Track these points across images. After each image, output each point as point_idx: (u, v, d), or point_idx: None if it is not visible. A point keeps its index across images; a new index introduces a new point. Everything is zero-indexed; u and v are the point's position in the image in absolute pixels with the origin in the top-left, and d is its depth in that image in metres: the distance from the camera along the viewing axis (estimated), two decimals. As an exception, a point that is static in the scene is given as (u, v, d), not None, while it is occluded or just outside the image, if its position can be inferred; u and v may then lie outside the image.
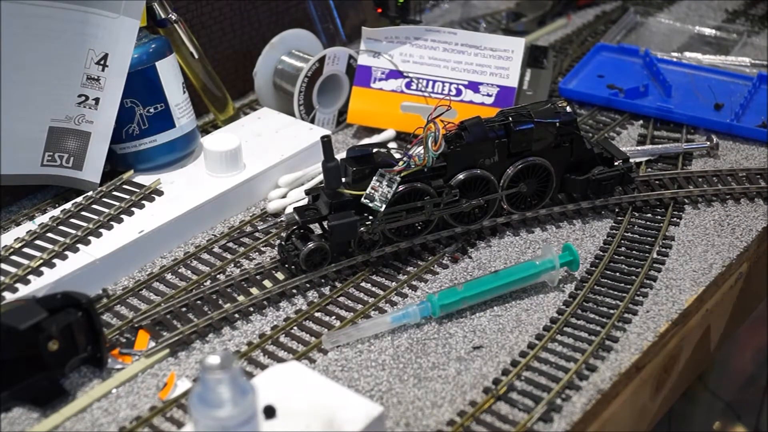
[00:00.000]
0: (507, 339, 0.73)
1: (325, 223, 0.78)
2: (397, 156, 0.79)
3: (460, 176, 0.81)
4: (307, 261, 0.77)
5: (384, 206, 0.77)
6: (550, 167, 0.83)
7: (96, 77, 0.85)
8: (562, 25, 1.25)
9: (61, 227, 0.81)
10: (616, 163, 0.85)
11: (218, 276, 0.80)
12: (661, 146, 0.95)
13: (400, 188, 0.78)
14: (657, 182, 0.89)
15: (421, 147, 0.78)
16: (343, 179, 0.78)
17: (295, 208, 0.79)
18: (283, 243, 0.79)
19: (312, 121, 1.00)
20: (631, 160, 0.87)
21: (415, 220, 0.80)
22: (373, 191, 0.77)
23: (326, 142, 0.76)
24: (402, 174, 0.78)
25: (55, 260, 0.77)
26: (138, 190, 0.85)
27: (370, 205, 0.77)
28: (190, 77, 0.96)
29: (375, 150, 0.79)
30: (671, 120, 1.01)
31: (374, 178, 0.78)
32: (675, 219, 0.85)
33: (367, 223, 0.78)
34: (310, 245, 0.77)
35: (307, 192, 0.80)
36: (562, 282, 0.78)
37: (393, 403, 0.67)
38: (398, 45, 1.00)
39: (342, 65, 1.00)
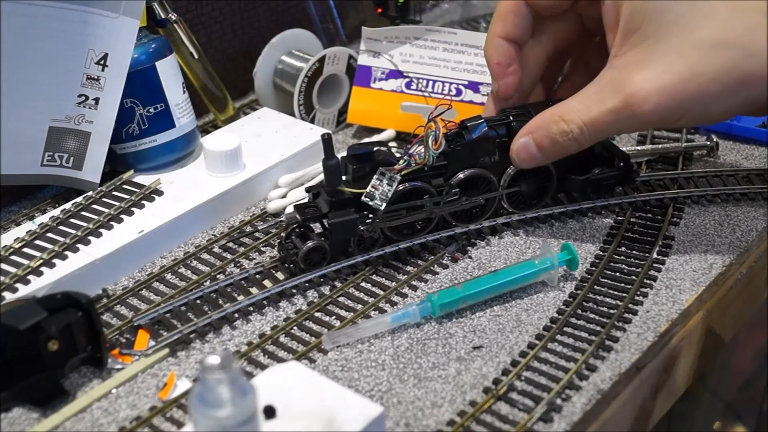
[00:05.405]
0: (507, 339, 0.73)
1: (325, 221, 0.78)
2: (398, 155, 0.80)
3: (460, 175, 0.81)
4: (306, 259, 0.77)
5: (384, 205, 0.77)
6: (551, 166, 0.83)
7: (96, 77, 0.85)
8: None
9: (61, 227, 0.81)
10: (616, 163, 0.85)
11: (218, 276, 0.80)
12: (661, 146, 0.95)
13: (401, 187, 0.78)
14: (657, 182, 0.89)
15: (422, 146, 0.78)
16: (344, 177, 0.78)
17: (295, 206, 0.79)
18: (283, 242, 0.79)
19: (312, 121, 1.00)
20: (632, 160, 0.87)
21: (415, 219, 0.80)
22: (373, 190, 0.77)
23: (327, 139, 0.76)
24: (402, 173, 0.78)
25: (55, 260, 0.77)
26: (138, 190, 0.85)
27: (371, 203, 0.77)
28: (190, 77, 0.96)
29: (375, 148, 0.79)
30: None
31: (375, 176, 0.78)
32: (675, 219, 0.85)
33: (367, 221, 0.78)
34: (309, 244, 0.77)
35: (308, 189, 0.80)
36: (562, 282, 0.78)
37: (393, 403, 0.67)
38: (398, 45, 1.00)
39: (342, 65, 1.00)
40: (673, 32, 0.72)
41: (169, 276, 0.80)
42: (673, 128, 0.98)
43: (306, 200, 0.81)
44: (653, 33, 0.73)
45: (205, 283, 0.79)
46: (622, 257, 0.81)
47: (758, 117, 0.96)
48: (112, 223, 0.82)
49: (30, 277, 0.75)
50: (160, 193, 0.86)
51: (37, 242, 0.79)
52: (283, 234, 0.81)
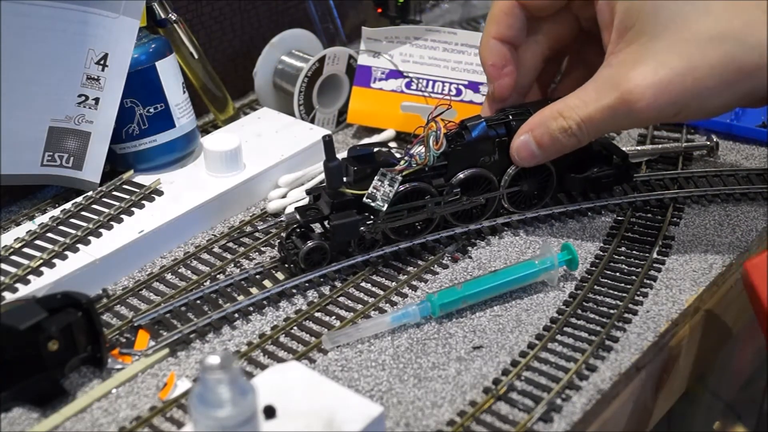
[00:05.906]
0: (507, 339, 0.73)
1: (326, 223, 0.78)
2: (398, 155, 0.80)
3: (461, 175, 0.81)
4: (306, 259, 0.77)
5: (386, 206, 0.77)
6: (551, 165, 0.83)
7: (96, 77, 0.85)
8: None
9: (61, 227, 0.81)
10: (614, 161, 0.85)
11: (218, 276, 0.80)
12: (661, 146, 0.95)
13: (402, 188, 0.78)
14: (657, 182, 0.89)
15: (422, 146, 0.78)
16: (345, 179, 0.78)
17: (296, 208, 0.79)
18: (283, 242, 0.79)
19: (312, 121, 1.00)
20: (632, 160, 0.87)
21: (416, 219, 0.80)
22: (375, 191, 0.77)
23: (328, 141, 0.76)
24: (404, 173, 0.78)
25: (55, 260, 0.77)
26: (138, 190, 0.85)
27: (372, 204, 0.77)
28: (190, 77, 0.96)
29: (376, 149, 0.79)
30: (671, 119, 1.01)
31: (376, 177, 0.78)
32: (675, 219, 0.85)
33: (368, 222, 0.78)
34: (310, 244, 0.77)
35: (308, 192, 0.80)
36: (562, 282, 0.78)
37: (393, 403, 0.67)
38: (398, 45, 1.00)
39: (342, 65, 1.00)
40: (669, 29, 0.72)
41: (169, 276, 0.80)
42: (673, 123, 0.98)
43: (307, 202, 0.81)
44: (649, 30, 0.73)
45: (205, 283, 0.79)
46: (622, 257, 0.81)
47: (759, 108, 0.96)
48: (112, 223, 0.82)
49: (30, 277, 0.75)
50: (160, 193, 0.86)
51: (37, 242, 0.79)
52: (283, 234, 0.81)
